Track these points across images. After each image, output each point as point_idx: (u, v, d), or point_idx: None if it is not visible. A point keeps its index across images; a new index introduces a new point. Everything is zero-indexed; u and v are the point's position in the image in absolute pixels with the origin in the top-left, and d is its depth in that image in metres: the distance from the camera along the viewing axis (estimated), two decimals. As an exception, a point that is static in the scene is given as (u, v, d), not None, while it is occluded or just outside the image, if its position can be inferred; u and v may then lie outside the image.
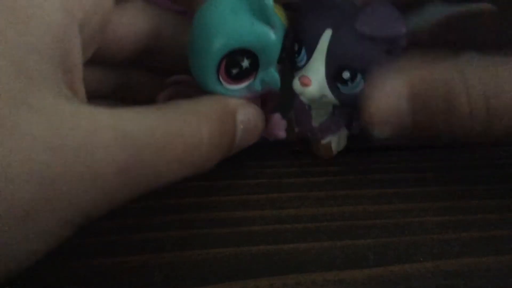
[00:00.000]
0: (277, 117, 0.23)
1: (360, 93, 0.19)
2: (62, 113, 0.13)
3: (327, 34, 0.20)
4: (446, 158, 0.24)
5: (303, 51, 0.21)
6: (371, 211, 0.21)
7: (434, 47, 0.22)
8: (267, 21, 0.18)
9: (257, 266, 0.18)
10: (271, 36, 0.18)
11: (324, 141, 0.23)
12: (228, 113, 0.18)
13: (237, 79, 0.19)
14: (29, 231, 0.12)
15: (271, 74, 0.19)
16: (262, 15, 0.18)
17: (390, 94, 0.17)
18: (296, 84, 0.20)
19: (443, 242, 0.19)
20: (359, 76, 0.19)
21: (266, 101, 0.21)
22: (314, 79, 0.20)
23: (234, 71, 0.19)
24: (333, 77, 0.20)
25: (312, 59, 0.20)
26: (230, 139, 0.18)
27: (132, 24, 0.19)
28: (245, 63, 0.19)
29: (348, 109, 0.22)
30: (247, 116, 0.19)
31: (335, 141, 0.23)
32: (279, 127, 0.23)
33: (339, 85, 0.20)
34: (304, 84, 0.20)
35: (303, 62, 0.21)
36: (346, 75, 0.19)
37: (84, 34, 0.16)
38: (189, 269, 0.18)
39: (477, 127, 0.17)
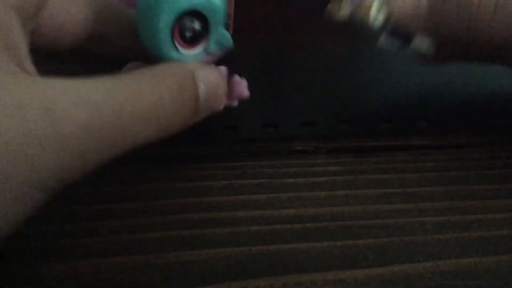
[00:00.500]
0: (236, 77, 0.23)
1: None
2: (19, 85, 0.14)
3: None
4: (446, 158, 0.24)
5: None
6: (371, 211, 0.21)
7: None
8: None
9: (257, 266, 0.18)
10: None
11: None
12: (186, 72, 0.18)
13: (191, 42, 0.20)
14: (5, 196, 0.13)
15: (223, 34, 0.20)
16: None
17: None
18: None
19: (443, 242, 0.19)
20: None
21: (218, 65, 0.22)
22: None
23: (188, 34, 0.19)
24: None
25: None
26: (192, 97, 0.18)
27: (74, 12, 0.20)
28: (197, 25, 0.19)
29: None
30: (207, 76, 0.19)
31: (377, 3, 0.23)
32: (241, 86, 0.23)
33: None
34: None
35: None
36: None
37: (21, 17, 0.16)
38: (189, 269, 0.18)
39: (480, 26, 0.19)
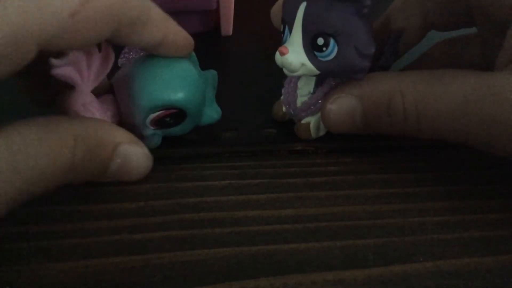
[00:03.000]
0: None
1: (335, 62, 0.21)
2: None
3: (302, 7, 0.21)
4: (446, 158, 0.24)
5: (286, 29, 0.22)
6: (371, 211, 0.21)
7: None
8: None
9: (257, 266, 0.18)
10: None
11: (303, 121, 0.24)
12: (105, 145, 0.19)
13: (163, 125, 0.22)
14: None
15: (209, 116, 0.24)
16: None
17: (346, 103, 0.22)
18: (277, 56, 0.21)
19: (443, 242, 0.19)
20: (332, 41, 0.20)
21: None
22: (291, 48, 0.21)
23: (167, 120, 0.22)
24: (309, 45, 0.21)
25: (292, 33, 0.21)
26: (102, 166, 0.20)
27: None
28: (169, 120, 0.22)
29: (328, 90, 0.23)
30: (129, 155, 0.20)
31: (314, 123, 0.24)
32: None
33: (316, 53, 0.21)
34: (282, 53, 0.21)
35: (286, 39, 0.22)
36: (320, 41, 0.20)
37: None
38: (189, 269, 0.18)
39: (410, 128, 0.21)
